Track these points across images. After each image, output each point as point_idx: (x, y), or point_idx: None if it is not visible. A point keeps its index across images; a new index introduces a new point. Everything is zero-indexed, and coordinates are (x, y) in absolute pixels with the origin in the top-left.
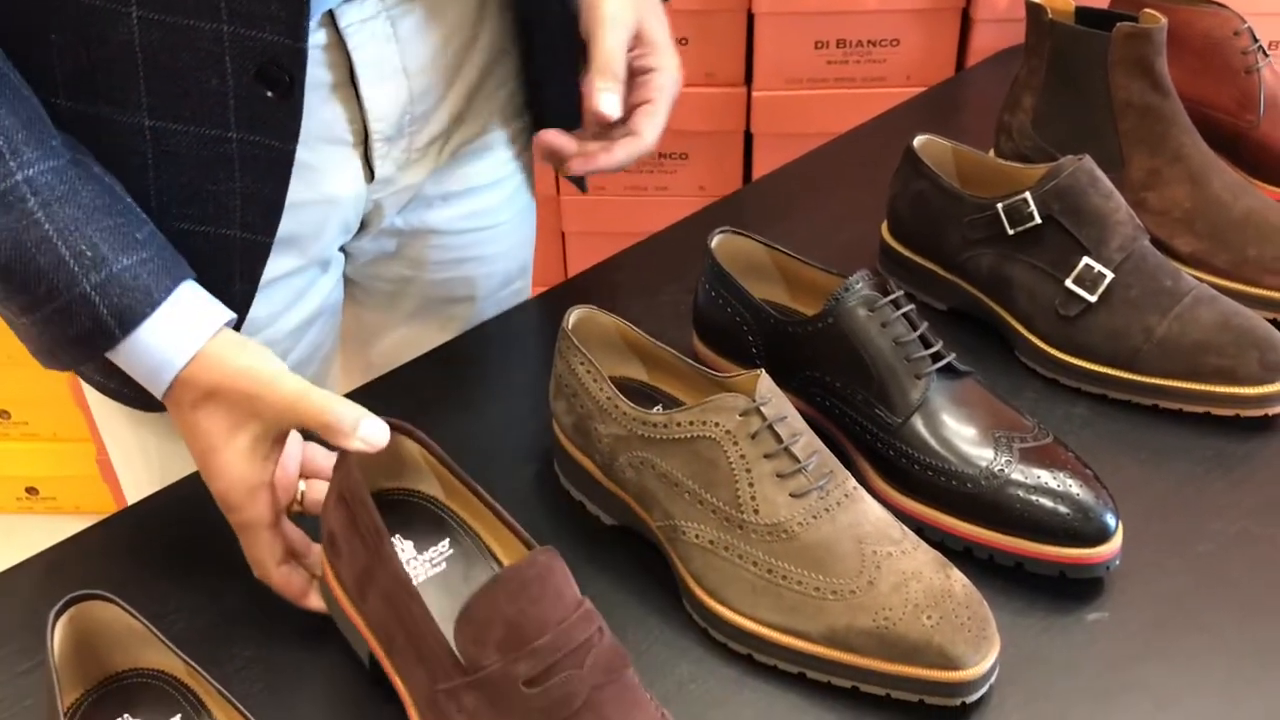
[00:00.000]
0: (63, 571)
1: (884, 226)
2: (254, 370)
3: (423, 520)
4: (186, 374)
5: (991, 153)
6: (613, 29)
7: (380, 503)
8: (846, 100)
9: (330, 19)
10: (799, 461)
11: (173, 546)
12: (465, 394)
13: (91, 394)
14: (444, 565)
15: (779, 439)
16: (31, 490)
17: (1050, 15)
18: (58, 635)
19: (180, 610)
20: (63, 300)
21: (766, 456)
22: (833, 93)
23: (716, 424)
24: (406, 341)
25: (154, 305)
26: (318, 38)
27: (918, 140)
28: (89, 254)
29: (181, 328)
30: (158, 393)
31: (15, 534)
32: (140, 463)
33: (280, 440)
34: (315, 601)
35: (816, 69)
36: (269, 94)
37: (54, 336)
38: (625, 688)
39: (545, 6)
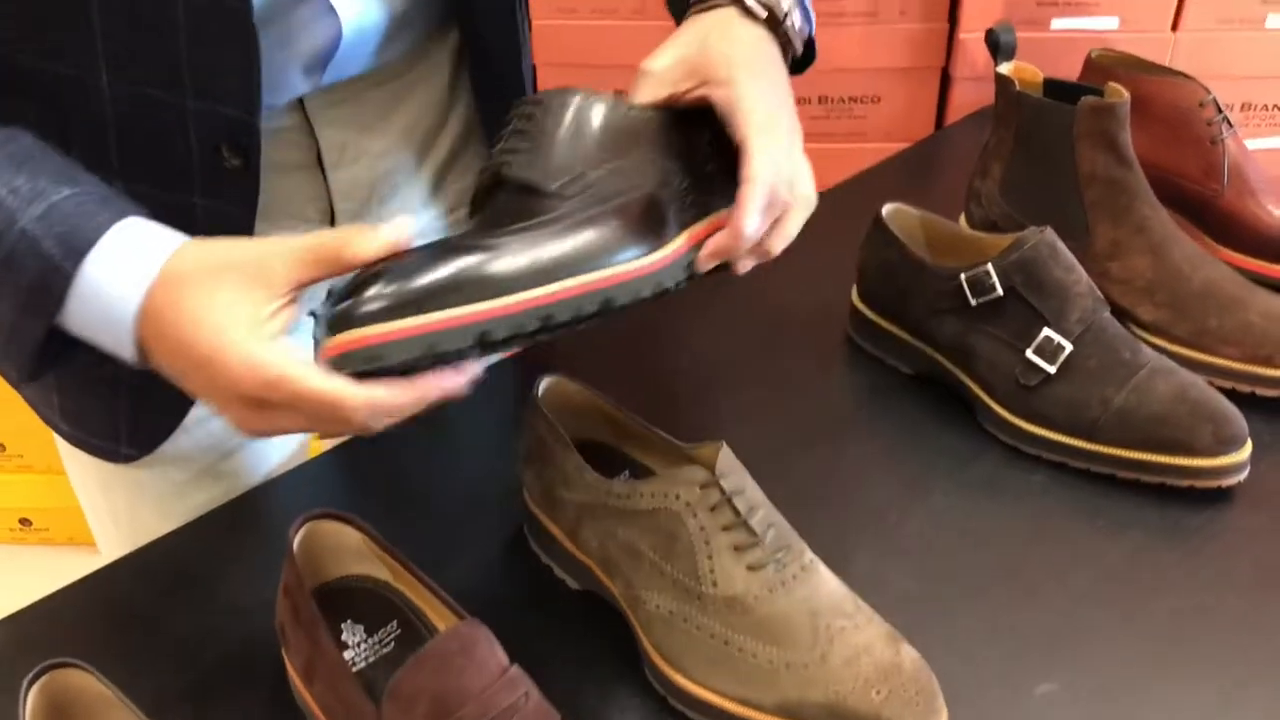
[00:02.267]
0: (36, 635)
1: (854, 291)
2: (242, 242)
3: (374, 604)
4: (168, 268)
5: (962, 217)
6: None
7: (335, 590)
8: (827, 155)
9: (299, 103)
10: (755, 535)
11: (145, 611)
12: (441, 457)
13: (64, 450)
14: (393, 645)
15: (737, 512)
16: (25, 521)
17: (1019, 87)
18: (30, 704)
19: (151, 676)
20: (4, 246)
21: (725, 529)
22: (813, 148)
23: (677, 496)
24: None
25: (101, 230)
26: (285, 120)
27: (886, 209)
28: (25, 187)
29: (141, 249)
30: (129, 336)
31: (9, 565)
32: (111, 525)
33: (292, 300)
34: (455, 379)
35: None
36: (229, 165)
37: (8, 303)
38: None
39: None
